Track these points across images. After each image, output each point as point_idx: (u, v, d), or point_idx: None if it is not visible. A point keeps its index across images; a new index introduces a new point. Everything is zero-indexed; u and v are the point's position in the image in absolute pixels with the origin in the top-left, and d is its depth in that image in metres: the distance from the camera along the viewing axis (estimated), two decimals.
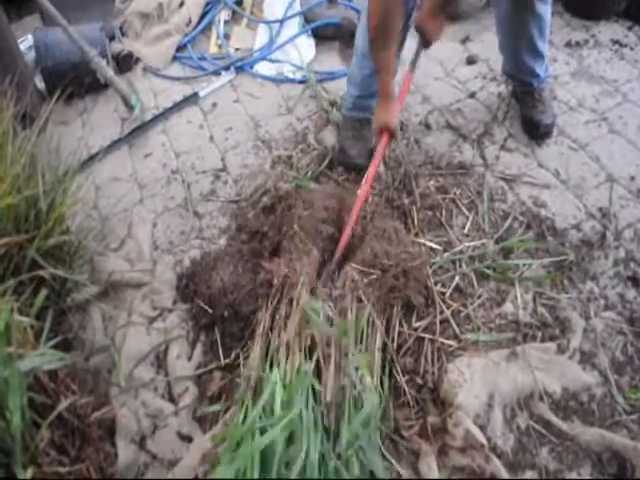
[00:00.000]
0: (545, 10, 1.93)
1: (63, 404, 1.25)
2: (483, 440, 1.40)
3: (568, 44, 2.61)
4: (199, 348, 1.74)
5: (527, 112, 2.23)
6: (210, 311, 1.75)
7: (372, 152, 2.10)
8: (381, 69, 1.84)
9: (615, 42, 2.58)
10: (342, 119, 2.29)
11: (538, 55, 2.08)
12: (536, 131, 2.20)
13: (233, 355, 1.70)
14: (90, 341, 1.76)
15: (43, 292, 1.35)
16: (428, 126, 2.33)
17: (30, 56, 2.78)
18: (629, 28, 2.64)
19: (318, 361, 1.48)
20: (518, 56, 2.11)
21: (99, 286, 1.86)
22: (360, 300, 1.61)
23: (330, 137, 2.29)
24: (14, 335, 1.21)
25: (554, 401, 1.51)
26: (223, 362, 1.70)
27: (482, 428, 1.44)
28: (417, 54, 1.86)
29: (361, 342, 1.54)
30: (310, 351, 1.51)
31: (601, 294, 1.74)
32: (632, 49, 2.53)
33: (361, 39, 2.02)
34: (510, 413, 1.49)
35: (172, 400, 1.64)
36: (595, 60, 2.52)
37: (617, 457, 1.41)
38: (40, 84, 2.72)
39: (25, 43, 2.87)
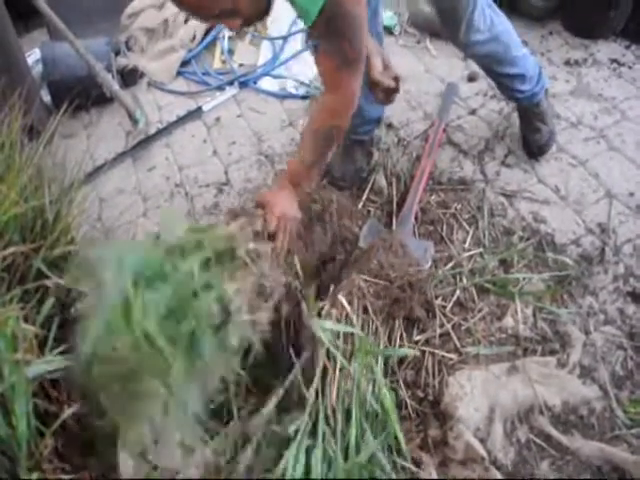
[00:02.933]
0: (489, 48, 1.90)
1: (67, 412, 1.26)
2: (483, 453, 1.41)
3: (567, 62, 2.64)
4: None
5: (523, 131, 2.25)
6: None
7: (359, 173, 2.15)
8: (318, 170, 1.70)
9: (613, 61, 2.61)
10: None
11: (512, 77, 2.04)
12: (529, 149, 2.22)
13: None
14: None
15: (50, 300, 1.37)
16: None
17: (37, 69, 2.82)
18: (627, 47, 2.68)
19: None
20: (494, 80, 2.15)
21: None
22: (365, 310, 1.62)
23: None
24: (20, 342, 1.22)
25: (554, 415, 1.52)
26: None
27: (482, 441, 1.45)
28: (446, 102, 1.81)
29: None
30: None
31: (601, 309, 1.75)
32: (630, 68, 2.56)
33: None
34: (510, 426, 1.50)
35: None
36: (594, 78, 2.55)
37: (617, 471, 1.42)
38: (46, 97, 2.76)
39: (32, 57, 2.91)
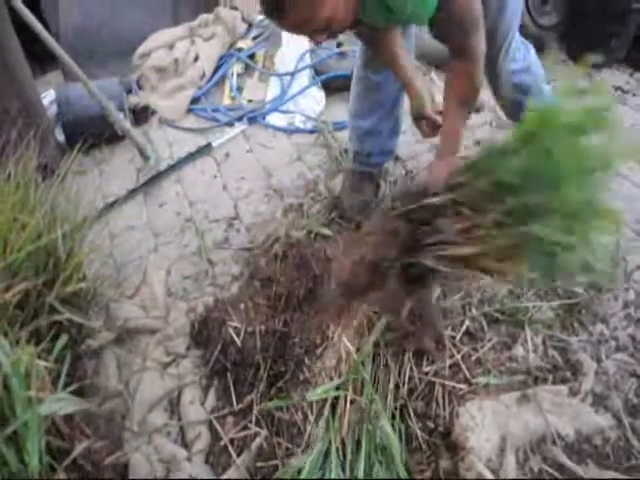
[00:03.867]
0: (523, 78, 1.95)
1: (79, 449, 1.28)
2: None
3: None
4: (212, 393, 1.76)
5: None
6: (223, 357, 1.78)
7: (368, 205, 2.16)
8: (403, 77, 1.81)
9: (617, 88, 2.64)
10: (345, 170, 2.35)
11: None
12: None
13: (246, 401, 1.72)
14: (104, 386, 1.78)
15: (64, 337, 1.40)
16: None
17: (52, 110, 2.89)
18: (630, 75, 2.71)
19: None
20: (514, 115, 2.17)
21: (114, 332, 1.89)
22: (377, 344, 1.63)
23: (340, 186, 2.35)
24: (33, 380, 1.24)
25: (567, 444, 1.49)
26: (236, 407, 1.71)
27: (494, 472, 1.43)
28: None
29: (375, 384, 1.56)
30: None
31: (612, 336, 1.73)
32: (634, 95, 2.59)
33: (352, 103, 2.09)
34: (523, 456, 1.48)
35: (185, 445, 1.64)
36: None
37: None
38: (60, 137, 2.82)
39: (48, 98, 2.98)
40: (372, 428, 1.47)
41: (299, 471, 1.41)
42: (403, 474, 1.42)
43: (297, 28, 1.34)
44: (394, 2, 1.39)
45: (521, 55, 1.92)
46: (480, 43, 1.55)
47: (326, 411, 1.51)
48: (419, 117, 1.85)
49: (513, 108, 2.15)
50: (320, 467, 1.42)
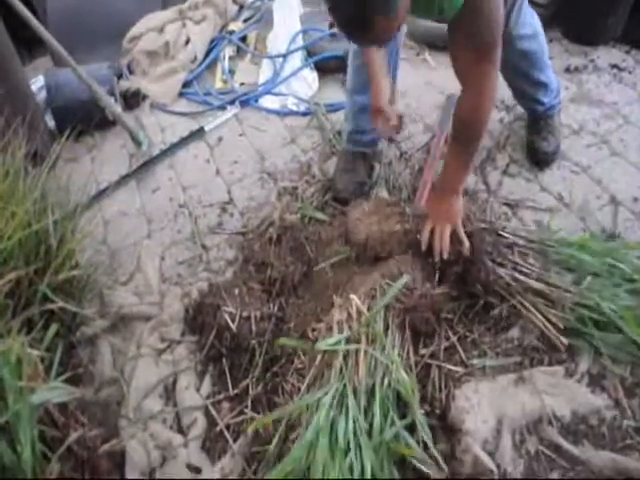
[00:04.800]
0: (530, 45, 1.91)
1: (72, 437, 1.27)
2: (492, 466, 1.39)
3: (567, 69, 2.65)
4: (208, 379, 1.75)
5: (530, 137, 2.26)
6: (218, 343, 1.77)
7: (361, 186, 2.16)
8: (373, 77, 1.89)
9: (614, 66, 2.61)
10: (339, 151, 2.33)
11: (538, 84, 2.09)
12: (535, 157, 2.22)
13: (242, 385, 1.72)
14: (99, 374, 1.77)
15: (54, 326, 1.39)
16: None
17: (41, 96, 2.85)
18: (627, 52, 2.68)
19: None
20: (517, 87, 2.14)
21: (108, 319, 1.88)
22: (386, 309, 1.63)
23: (334, 168, 2.33)
24: (25, 369, 1.23)
25: (563, 425, 1.50)
26: (232, 392, 1.71)
27: (491, 454, 1.43)
28: (445, 114, 1.83)
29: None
30: None
31: None
32: (630, 72, 2.56)
33: (350, 78, 2.07)
34: (519, 438, 1.48)
35: (181, 431, 1.65)
36: (595, 84, 2.55)
37: None
38: (50, 122, 2.79)
39: (37, 84, 2.94)
40: (385, 377, 1.49)
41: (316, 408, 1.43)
42: (419, 419, 1.45)
43: (376, 41, 1.35)
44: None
45: (532, 19, 1.89)
46: (494, 76, 1.52)
47: (338, 362, 1.51)
48: (377, 108, 1.90)
49: (520, 87, 2.13)
50: (337, 406, 1.43)
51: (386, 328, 1.60)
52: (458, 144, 1.68)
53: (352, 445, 1.36)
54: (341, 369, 1.50)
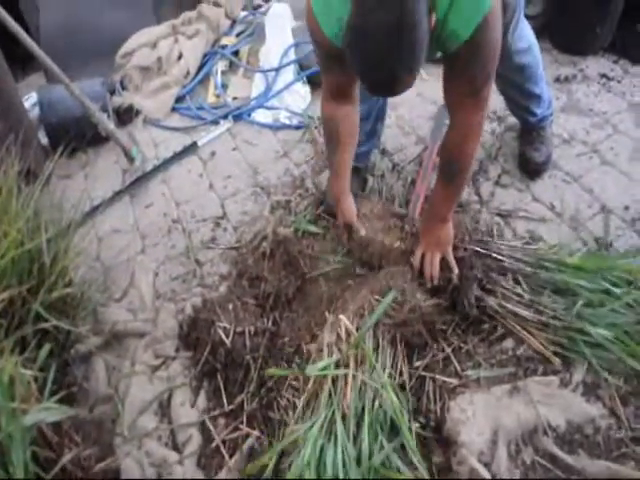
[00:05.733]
0: (526, 59, 1.93)
1: (66, 457, 1.26)
2: (488, 477, 1.39)
3: (557, 79, 2.67)
4: (202, 395, 1.75)
5: (522, 148, 2.27)
6: (212, 358, 1.77)
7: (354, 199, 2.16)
8: (331, 171, 1.88)
9: (602, 76, 2.63)
10: None
11: (532, 96, 2.10)
12: (527, 167, 2.24)
13: (237, 401, 1.71)
14: (94, 391, 1.77)
15: (47, 346, 1.38)
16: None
17: (34, 113, 2.85)
18: (615, 62, 2.70)
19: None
20: (510, 98, 2.16)
21: (102, 337, 1.88)
22: (375, 326, 1.63)
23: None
24: (17, 389, 1.22)
25: (558, 435, 1.50)
26: (227, 408, 1.71)
27: (487, 465, 1.43)
28: (437, 125, 1.84)
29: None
30: None
31: None
32: (619, 82, 2.58)
33: None
34: (515, 449, 1.48)
35: (176, 448, 1.64)
36: (584, 94, 2.57)
37: None
38: (43, 139, 2.79)
39: (30, 100, 2.95)
40: (374, 399, 1.48)
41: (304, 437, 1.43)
42: (409, 442, 1.43)
43: (397, 94, 1.34)
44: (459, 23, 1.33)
45: (526, 33, 1.91)
46: (482, 114, 1.54)
47: (327, 387, 1.51)
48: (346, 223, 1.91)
49: (514, 98, 2.15)
50: (324, 435, 1.43)
51: (376, 346, 1.60)
52: (445, 178, 1.69)
53: (341, 474, 1.36)
54: (330, 394, 1.49)
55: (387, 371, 1.57)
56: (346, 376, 1.52)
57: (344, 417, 1.45)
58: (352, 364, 1.54)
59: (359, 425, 1.45)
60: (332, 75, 1.63)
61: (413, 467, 1.42)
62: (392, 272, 1.76)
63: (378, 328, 1.63)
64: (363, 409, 1.47)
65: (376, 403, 1.48)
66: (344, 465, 1.37)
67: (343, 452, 1.39)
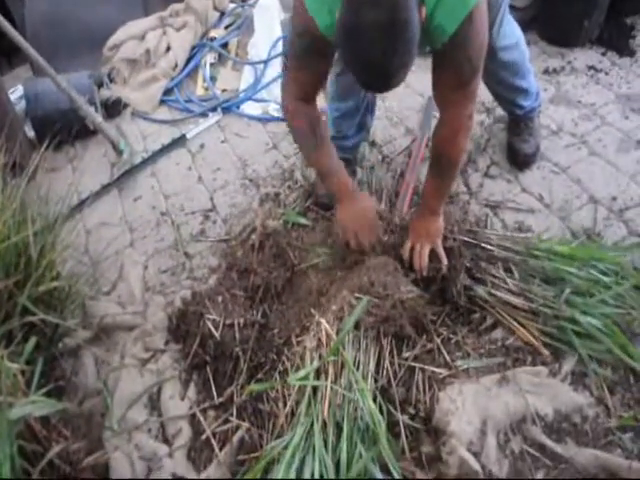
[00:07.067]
0: (511, 55, 1.93)
1: (53, 451, 1.25)
2: (477, 467, 1.40)
3: (545, 71, 2.67)
4: (192, 388, 1.74)
5: (510, 139, 2.28)
6: (202, 351, 1.76)
7: None
8: (321, 172, 1.80)
9: (590, 67, 2.64)
10: None
11: (519, 90, 2.10)
12: (515, 158, 2.24)
13: (227, 393, 1.71)
14: (83, 385, 1.76)
15: (32, 339, 1.37)
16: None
17: (20, 106, 2.83)
18: (603, 54, 2.71)
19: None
20: (497, 93, 2.17)
21: (91, 330, 1.87)
22: (357, 326, 1.62)
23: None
24: (3, 382, 1.21)
25: (547, 424, 1.50)
26: (217, 401, 1.70)
27: (476, 455, 1.43)
28: (426, 116, 1.83)
29: (356, 366, 1.56)
30: None
31: None
32: (607, 74, 2.59)
33: (330, 85, 2.07)
34: (504, 438, 1.49)
35: (166, 441, 1.63)
36: (572, 85, 2.58)
37: (613, 477, 1.40)
38: (30, 133, 2.77)
39: (16, 93, 2.93)
40: (353, 408, 1.47)
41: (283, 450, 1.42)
42: (386, 453, 1.41)
43: (391, 89, 1.34)
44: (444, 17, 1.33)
45: (511, 29, 1.91)
46: (471, 107, 1.54)
47: (306, 395, 1.50)
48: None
49: (501, 93, 2.15)
50: (303, 448, 1.42)
51: (359, 348, 1.59)
52: (435, 172, 1.70)
53: None
54: (310, 403, 1.48)
55: (370, 373, 1.56)
56: (325, 386, 1.50)
57: (325, 426, 1.44)
58: (331, 371, 1.52)
59: (339, 434, 1.44)
60: (305, 74, 1.62)
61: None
62: (374, 265, 1.75)
63: (360, 327, 1.61)
64: (344, 418, 1.46)
65: (356, 413, 1.47)
66: (322, 476, 1.37)
67: (321, 463, 1.38)
